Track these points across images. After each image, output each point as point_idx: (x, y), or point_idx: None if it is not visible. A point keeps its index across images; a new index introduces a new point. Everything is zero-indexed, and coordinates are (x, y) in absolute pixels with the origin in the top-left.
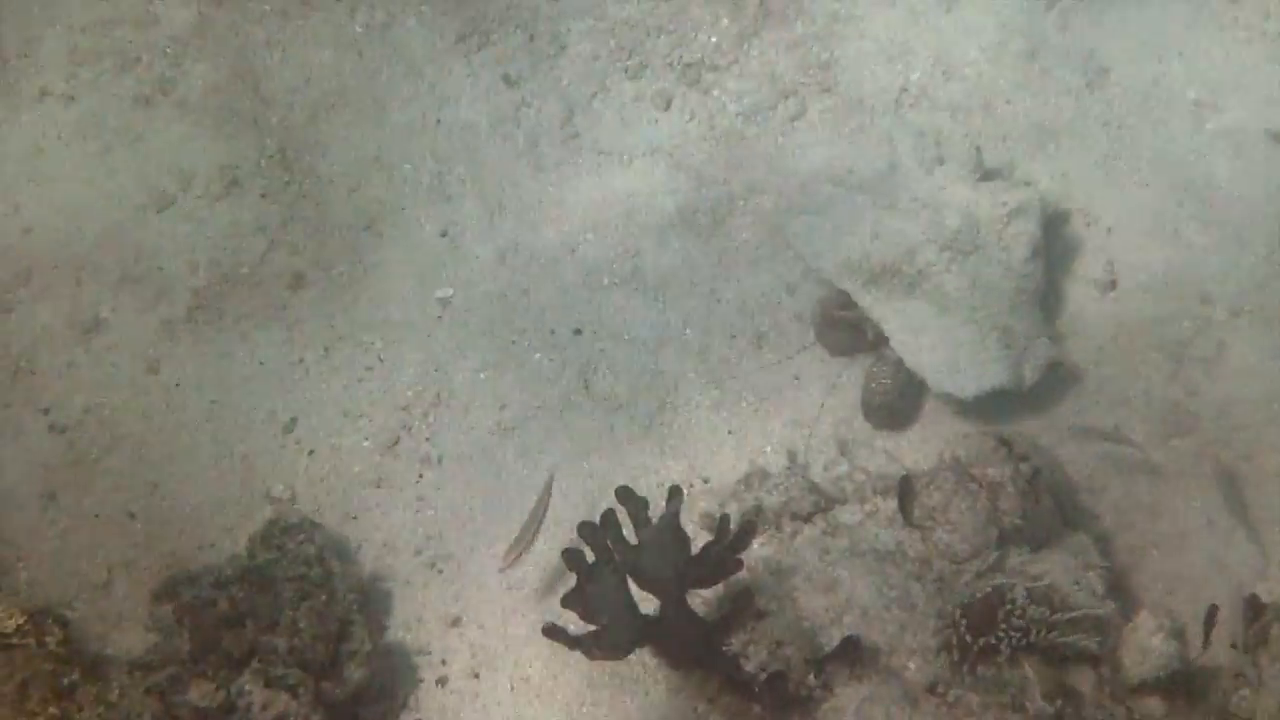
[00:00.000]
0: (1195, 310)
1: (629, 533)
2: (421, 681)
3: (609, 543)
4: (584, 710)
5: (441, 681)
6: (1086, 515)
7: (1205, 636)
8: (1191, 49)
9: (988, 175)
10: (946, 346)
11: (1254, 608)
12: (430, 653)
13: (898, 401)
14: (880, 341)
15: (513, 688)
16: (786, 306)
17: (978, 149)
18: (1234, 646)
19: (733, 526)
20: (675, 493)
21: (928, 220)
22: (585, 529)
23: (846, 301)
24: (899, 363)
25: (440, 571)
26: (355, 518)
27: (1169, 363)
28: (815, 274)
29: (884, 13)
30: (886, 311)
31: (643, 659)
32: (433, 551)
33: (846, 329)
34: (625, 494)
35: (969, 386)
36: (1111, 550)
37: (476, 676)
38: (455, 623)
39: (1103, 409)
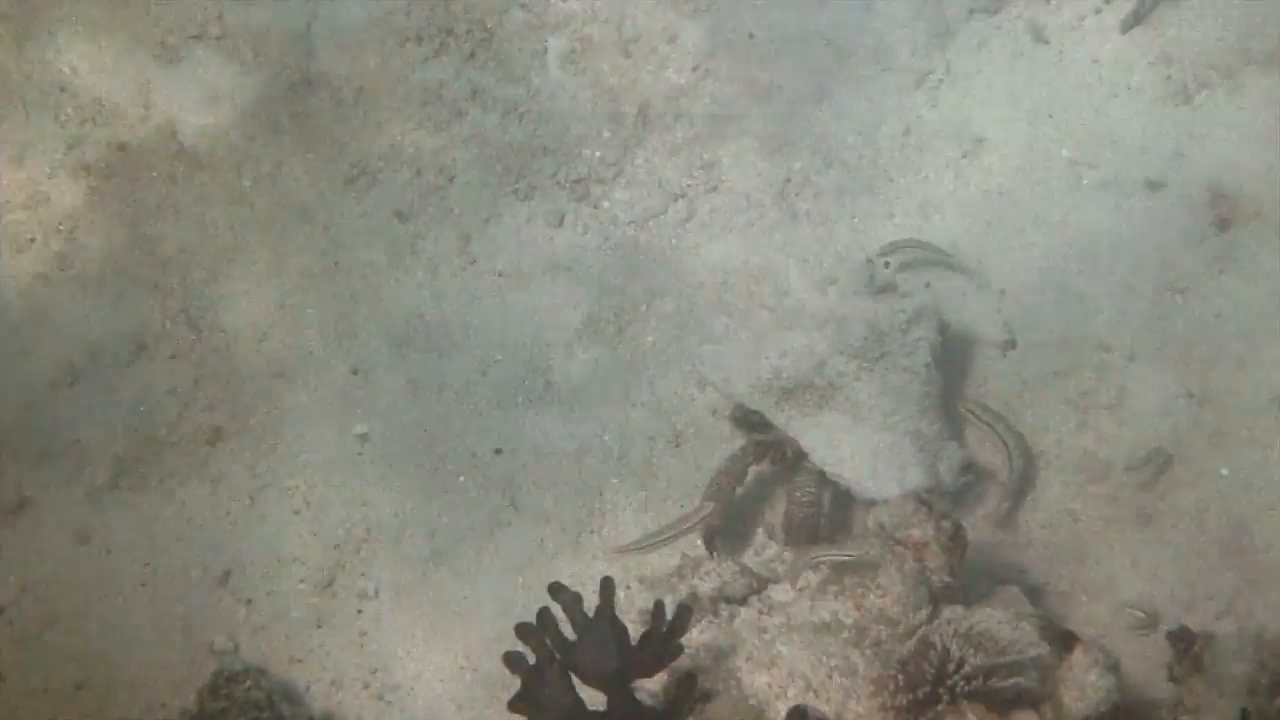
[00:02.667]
0: (1094, 359)
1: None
2: None
3: (548, 641)
4: None
5: None
6: (1014, 569)
7: (1176, 660)
8: (1061, 110)
9: (880, 290)
10: (865, 454)
11: (1185, 638)
12: None
13: (820, 516)
14: (799, 459)
15: None
16: (700, 403)
17: (870, 262)
18: (1170, 679)
19: (669, 612)
20: (607, 584)
21: (833, 332)
22: (522, 629)
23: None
24: (820, 475)
25: (389, 703)
26: (300, 660)
27: (1075, 413)
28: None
29: (759, 108)
30: (803, 426)
31: None
32: (380, 683)
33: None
34: (558, 589)
35: (892, 491)
36: (1042, 599)
37: None
38: None
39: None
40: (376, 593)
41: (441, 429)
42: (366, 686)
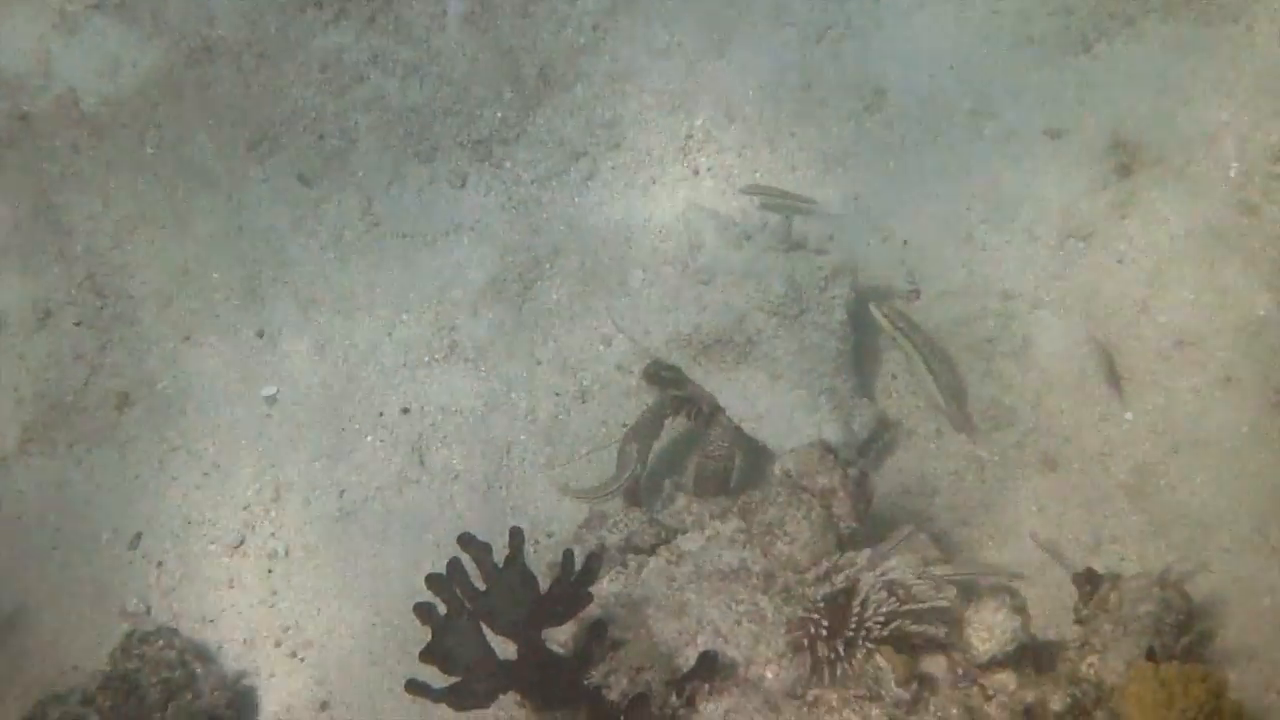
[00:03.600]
0: (998, 307)
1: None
2: None
3: (458, 591)
4: None
5: None
6: (921, 517)
7: (1083, 602)
8: (961, 62)
9: (795, 246)
10: (782, 411)
11: (1090, 580)
12: None
13: (731, 469)
14: (715, 414)
15: None
16: (606, 358)
17: (787, 219)
18: (1077, 621)
19: (577, 562)
20: (516, 534)
21: (753, 288)
22: (432, 580)
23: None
24: (734, 430)
25: (302, 660)
26: (212, 620)
27: (980, 361)
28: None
29: (659, 65)
30: (720, 382)
31: (512, 713)
32: (292, 641)
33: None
34: (467, 540)
35: None
36: (949, 546)
37: None
38: (323, 706)
39: (924, 413)
40: (287, 552)
41: (348, 389)
42: (278, 644)
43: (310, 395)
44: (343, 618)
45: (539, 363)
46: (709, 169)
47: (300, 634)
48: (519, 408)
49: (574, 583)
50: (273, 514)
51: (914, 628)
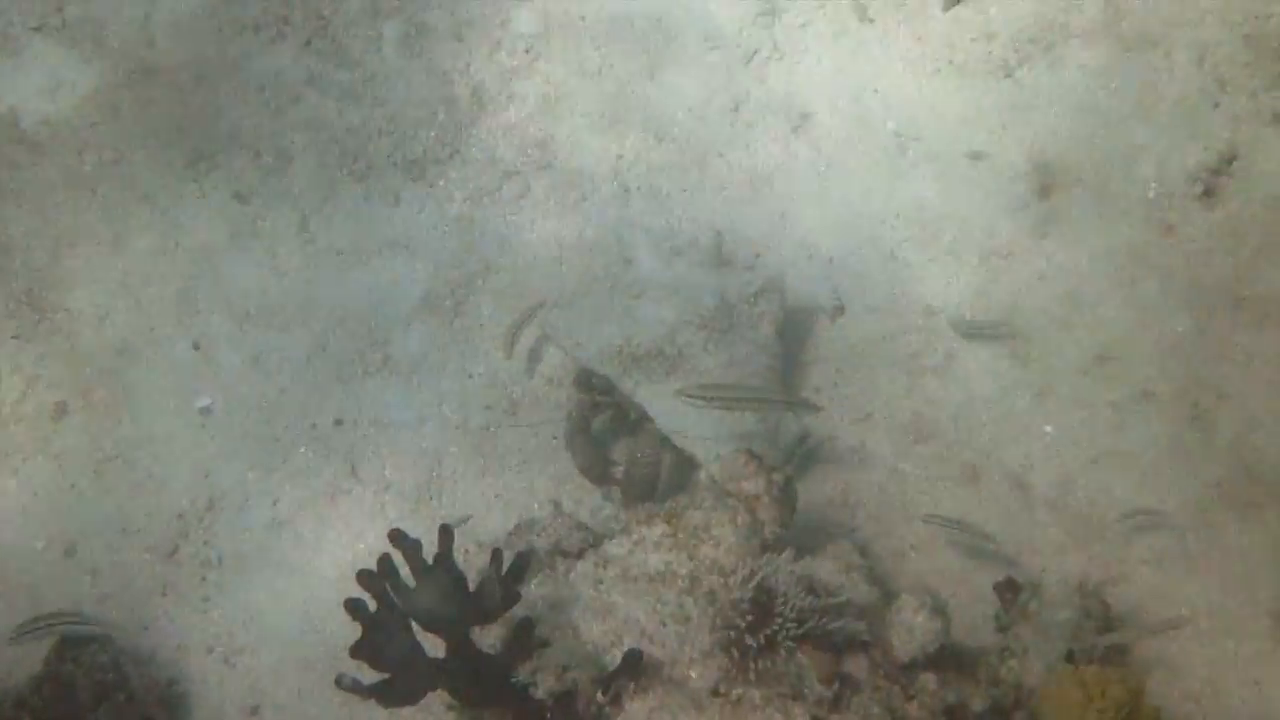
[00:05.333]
0: (921, 324)
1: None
2: None
3: (388, 588)
4: None
5: None
6: (846, 528)
7: (1004, 609)
8: (885, 85)
9: (725, 261)
10: (710, 423)
11: (1011, 588)
12: None
13: (658, 476)
14: (643, 422)
15: None
16: (536, 372)
17: (719, 234)
18: (998, 628)
19: (506, 561)
20: (446, 531)
21: (683, 302)
22: (363, 576)
23: (606, 386)
24: (663, 439)
25: (234, 666)
26: (146, 627)
27: (904, 376)
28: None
29: (591, 88)
30: (651, 393)
31: (440, 717)
32: (225, 647)
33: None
34: (398, 537)
35: None
36: (872, 555)
37: None
38: (254, 711)
39: (849, 427)
40: (220, 560)
41: (282, 401)
42: (211, 651)
43: (245, 407)
44: (275, 624)
45: (470, 376)
46: (639, 188)
47: (233, 641)
48: (450, 420)
49: (503, 581)
50: (206, 523)
51: (835, 625)
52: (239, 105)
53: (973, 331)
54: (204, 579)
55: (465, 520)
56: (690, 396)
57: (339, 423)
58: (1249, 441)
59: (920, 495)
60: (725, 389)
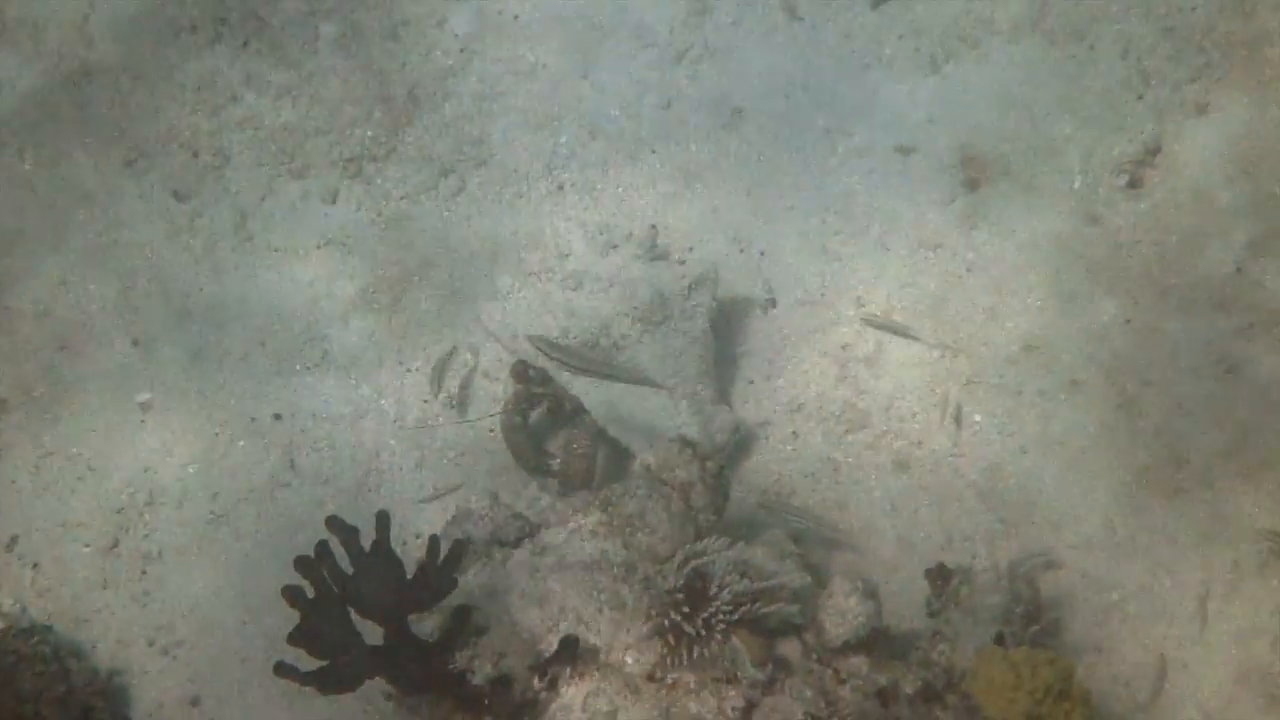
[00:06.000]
0: (851, 315)
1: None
2: None
3: (326, 575)
4: None
5: None
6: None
7: (935, 595)
8: (815, 83)
9: (660, 254)
10: (644, 415)
11: (942, 574)
12: None
13: (594, 467)
14: (578, 413)
15: None
16: (473, 365)
17: (653, 229)
18: (929, 614)
19: (443, 548)
20: (383, 518)
21: (619, 295)
22: (300, 563)
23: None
24: (600, 431)
25: (174, 658)
26: (87, 620)
27: (835, 367)
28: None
29: (526, 86)
30: (585, 384)
31: (379, 706)
32: (164, 640)
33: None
34: (335, 523)
35: None
36: (805, 543)
37: None
38: (195, 702)
39: (781, 417)
40: (160, 554)
41: (222, 396)
42: (151, 643)
43: (184, 402)
44: (214, 617)
45: (408, 371)
46: (573, 184)
47: (172, 633)
48: (388, 414)
49: (440, 569)
50: (146, 517)
51: (768, 609)
52: (177, 105)
53: (882, 326)
54: (144, 572)
55: (456, 489)
56: (538, 347)
57: (277, 417)
58: (1175, 427)
59: (853, 484)
60: (573, 353)
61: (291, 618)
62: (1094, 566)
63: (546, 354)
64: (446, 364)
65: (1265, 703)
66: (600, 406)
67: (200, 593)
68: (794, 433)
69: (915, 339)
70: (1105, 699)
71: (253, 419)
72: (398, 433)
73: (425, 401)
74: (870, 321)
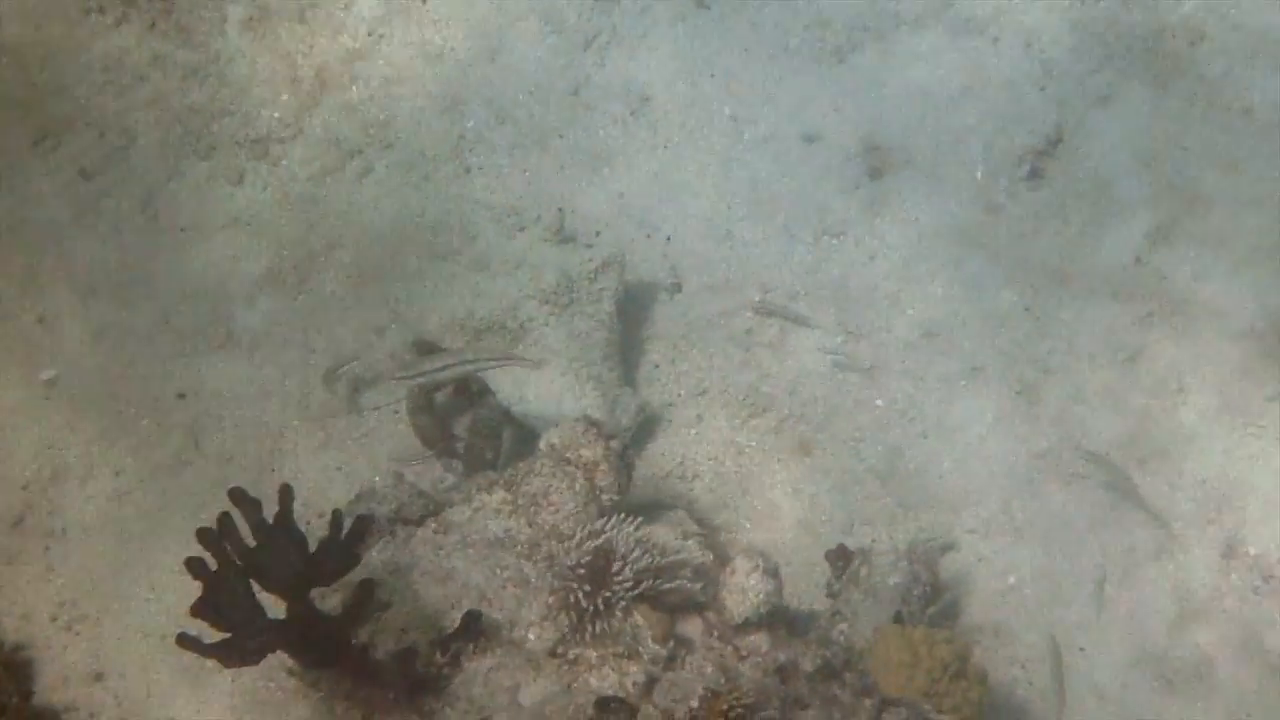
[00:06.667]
0: (757, 300)
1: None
2: None
3: (229, 547)
4: None
5: None
6: (683, 500)
7: (835, 576)
8: (722, 71)
9: (567, 238)
10: (549, 395)
11: (842, 556)
12: (78, 708)
13: (499, 447)
14: (484, 394)
15: None
16: (377, 348)
17: (560, 211)
18: (829, 595)
19: (346, 523)
20: (285, 491)
21: (526, 278)
22: (203, 534)
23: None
24: (505, 412)
25: (78, 634)
26: None
27: (740, 351)
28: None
29: (434, 70)
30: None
31: (282, 683)
32: (68, 615)
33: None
34: (238, 495)
35: None
36: (708, 526)
37: None
38: (99, 678)
39: (686, 399)
40: (64, 530)
41: (126, 374)
42: (55, 619)
43: (89, 379)
44: (118, 593)
45: (313, 351)
46: (480, 167)
47: (76, 609)
48: (292, 395)
49: (343, 543)
50: (50, 493)
51: (670, 585)
52: (84, 85)
53: (769, 311)
54: (48, 548)
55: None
56: (396, 378)
57: (181, 396)
58: (1073, 413)
59: (756, 468)
60: (427, 361)
61: (195, 593)
62: (992, 550)
63: (404, 378)
64: (342, 370)
65: (1160, 685)
66: (506, 385)
67: (104, 569)
68: (698, 416)
69: (808, 325)
70: (1002, 680)
71: (157, 398)
72: (302, 413)
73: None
74: (763, 308)
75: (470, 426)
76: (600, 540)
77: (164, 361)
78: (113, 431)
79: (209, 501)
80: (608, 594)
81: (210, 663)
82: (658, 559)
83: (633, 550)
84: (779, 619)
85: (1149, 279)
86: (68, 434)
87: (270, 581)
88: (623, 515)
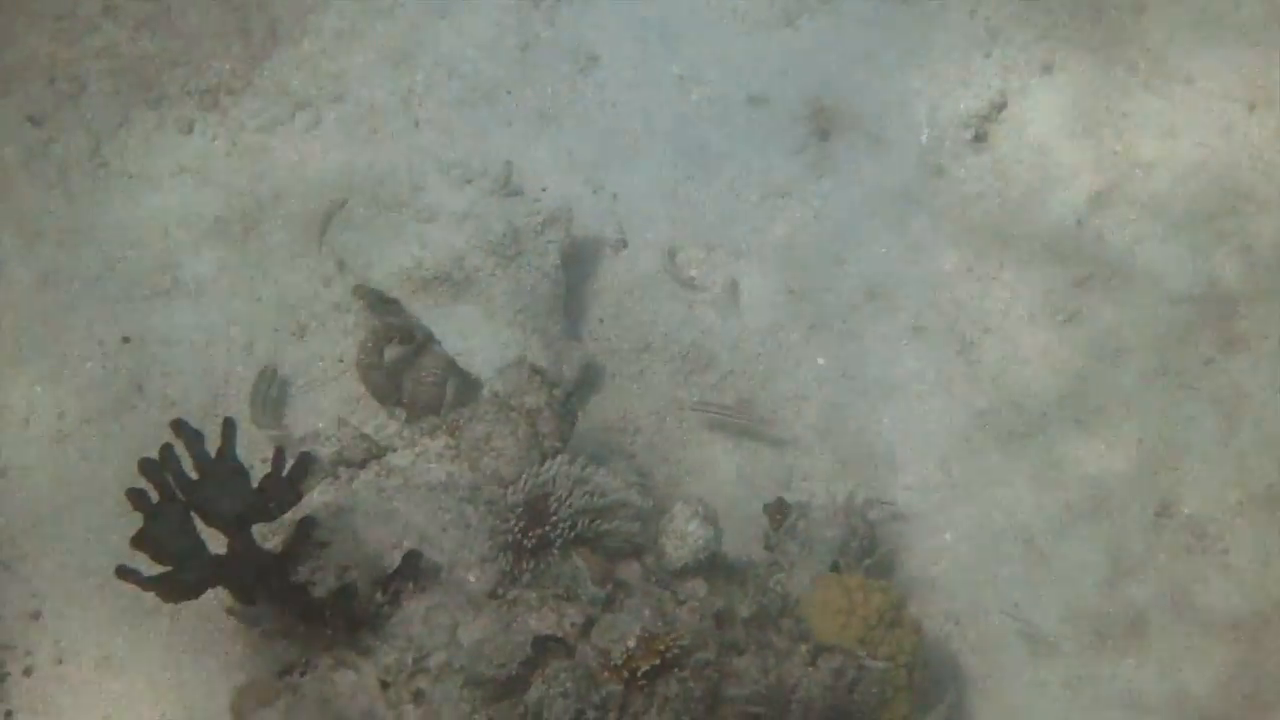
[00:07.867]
0: (702, 258)
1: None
2: (8, 675)
3: (170, 480)
4: (168, 677)
5: (28, 671)
6: (624, 453)
7: (773, 529)
8: (671, 32)
9: (513, 191)
10: (495, 348)
11: (780, 509)
12: (14, 646)
13: (443, 395)
14: (428, 343)
15: (97, 667)
16: (324, 297)
17: (509, 164)
18: (767, 547)
19: (288, 460)
20: (229, 425)
21: (473, 229)
22: (144, 465)
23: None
24: (450, 362)
25: (16, 572)
26: None
27: (683, 308)
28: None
29: (384, 25)
30: (437, 316)
31: (220, 625)
32: (6, 554)
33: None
34: (181, 426)
35: None
36: (649, 481)
37: (61, 662)
38: (36, 616)
39: (625, 356)
40: (4, 470)
41: (70, 318)
42: None
43: (33, 323)
44: (58, 534)
45: (259, 299)
46: (429, 121)
47: (15, 548)
48: (237, 341)
49: (285, 479)
50: None
51: (608, 526)
52: (35, 33)
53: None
54: None
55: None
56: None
57: (126, 340)
58: (1012, 373)
59: (697, 423)
60: None
61: (136, 526)
62: (929, 507)
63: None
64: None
65: (1094, 640)
66: (451, 337)
67: (44, 510)
68: (641, 371)
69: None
70: (936, 635)
71: (101, 341)
72: (246, 360)
73: (275, 330)
74: (700, 408)
75: (414, 375)
76: (540, 479)
77: (110, 306)
78: (57, 373)
79: (151, 445)
80: (544, 529)
81: (149, 603)
82: (596, 500)
83: (571, 491)
84: (717, 566)
85: (1090, 242)
86: (10, 374)
87: (211, 515)
88: (566, 457)
